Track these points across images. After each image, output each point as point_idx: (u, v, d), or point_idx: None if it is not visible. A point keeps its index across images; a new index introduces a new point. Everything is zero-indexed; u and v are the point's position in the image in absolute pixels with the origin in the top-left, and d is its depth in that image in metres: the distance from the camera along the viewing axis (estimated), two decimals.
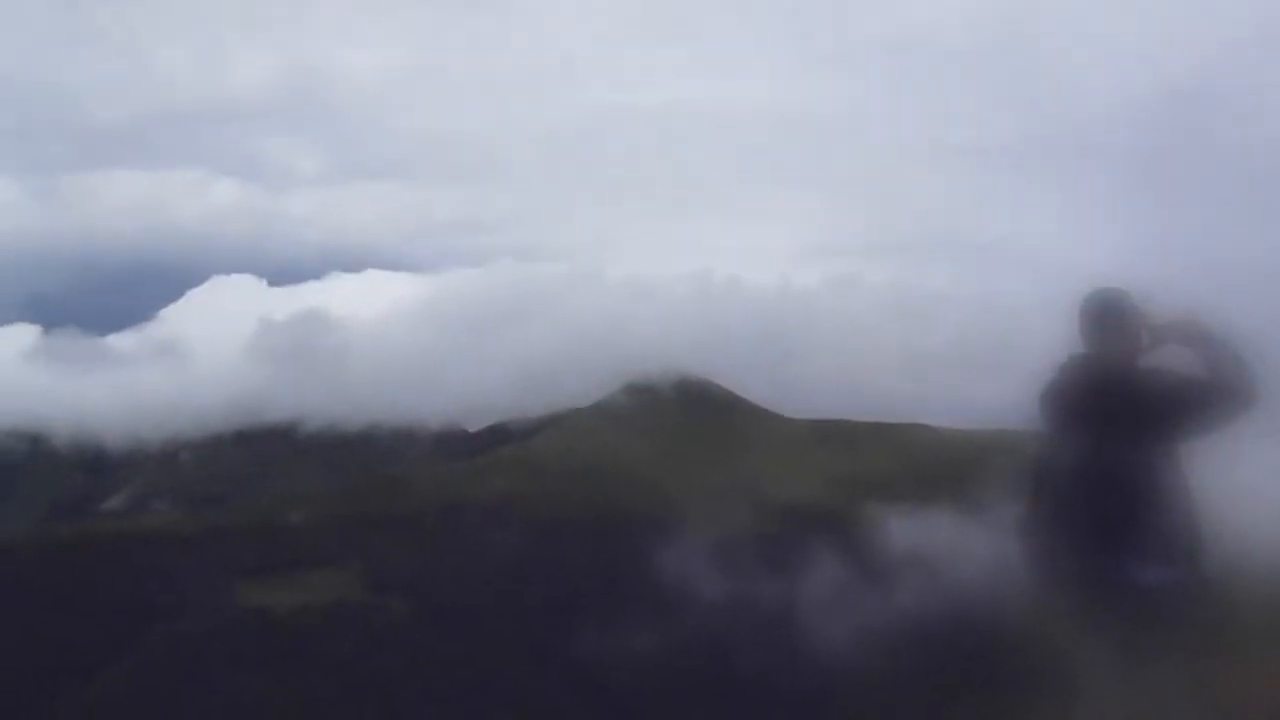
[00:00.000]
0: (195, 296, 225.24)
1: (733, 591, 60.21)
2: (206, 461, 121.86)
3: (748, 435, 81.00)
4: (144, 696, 52.44)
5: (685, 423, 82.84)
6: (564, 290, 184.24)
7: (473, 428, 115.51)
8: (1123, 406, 6.01)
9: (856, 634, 56.41)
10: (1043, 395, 6.42)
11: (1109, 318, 6.24)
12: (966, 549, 53.02)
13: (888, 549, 60.90)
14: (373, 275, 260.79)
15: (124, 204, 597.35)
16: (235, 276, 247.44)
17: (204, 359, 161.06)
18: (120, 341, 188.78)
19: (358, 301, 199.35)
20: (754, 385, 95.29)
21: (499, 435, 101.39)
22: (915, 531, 60.76)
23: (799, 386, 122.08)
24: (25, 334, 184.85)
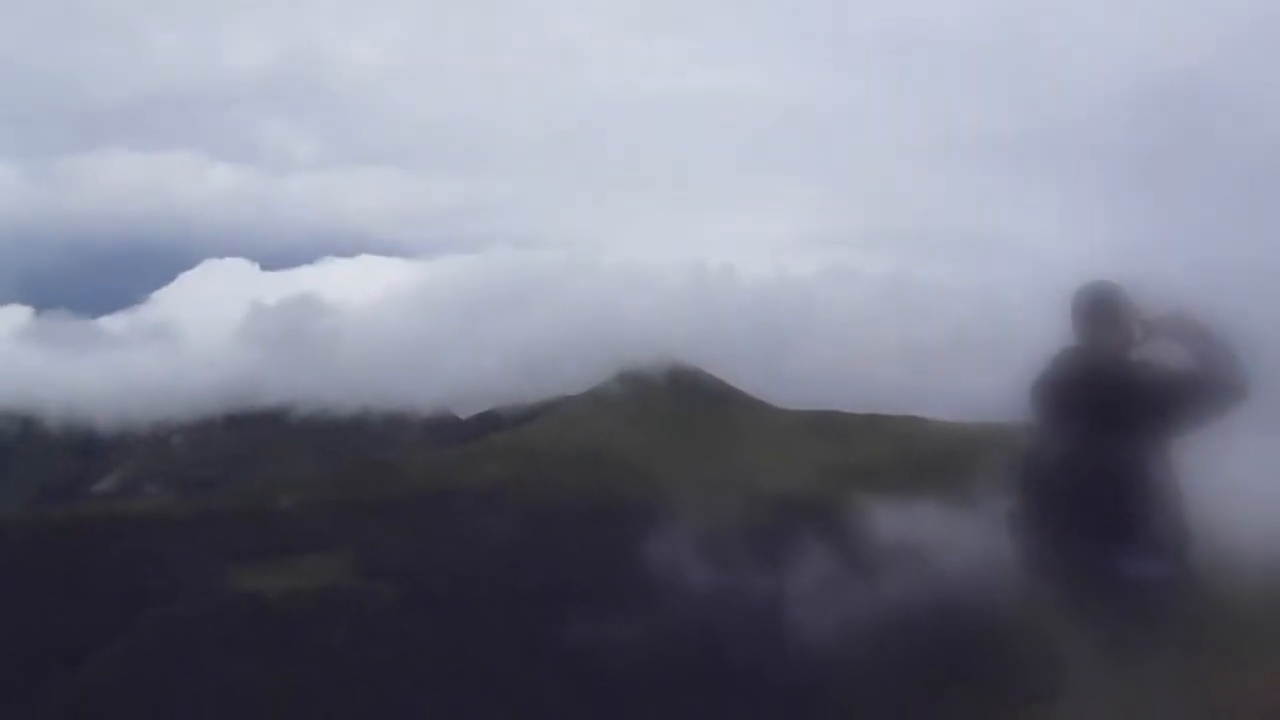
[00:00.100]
0: (188, 280, 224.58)
1: (724, 581, 60.31)
2: (198, 445, 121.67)
3: (741, 425, 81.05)
4: (135, 680, 52.42)
5: (678, 412, 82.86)
6: (558, 278, 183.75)
7: (465, 414, 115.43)
8: (1114, 400, 6.02)
9: (848, 625, 56.57)
10: (1034, 387, 6.43)
11: (1102, 311, 6.25)
12: (958, 541, 53.14)
13: (880, 540, 61.02)
14: (367, 260, 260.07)
15: (118, 186, 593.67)
16: (229, 260, 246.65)
17: (196, 342, 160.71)
18: (112, 324, 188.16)
19: (351, 286, 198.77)
20: (748, 375, 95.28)
21: (491, 422, 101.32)
22: (907, 523, 60.90)
23: (793, 377, 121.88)
24: (17, 315, 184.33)
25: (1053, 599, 6.40)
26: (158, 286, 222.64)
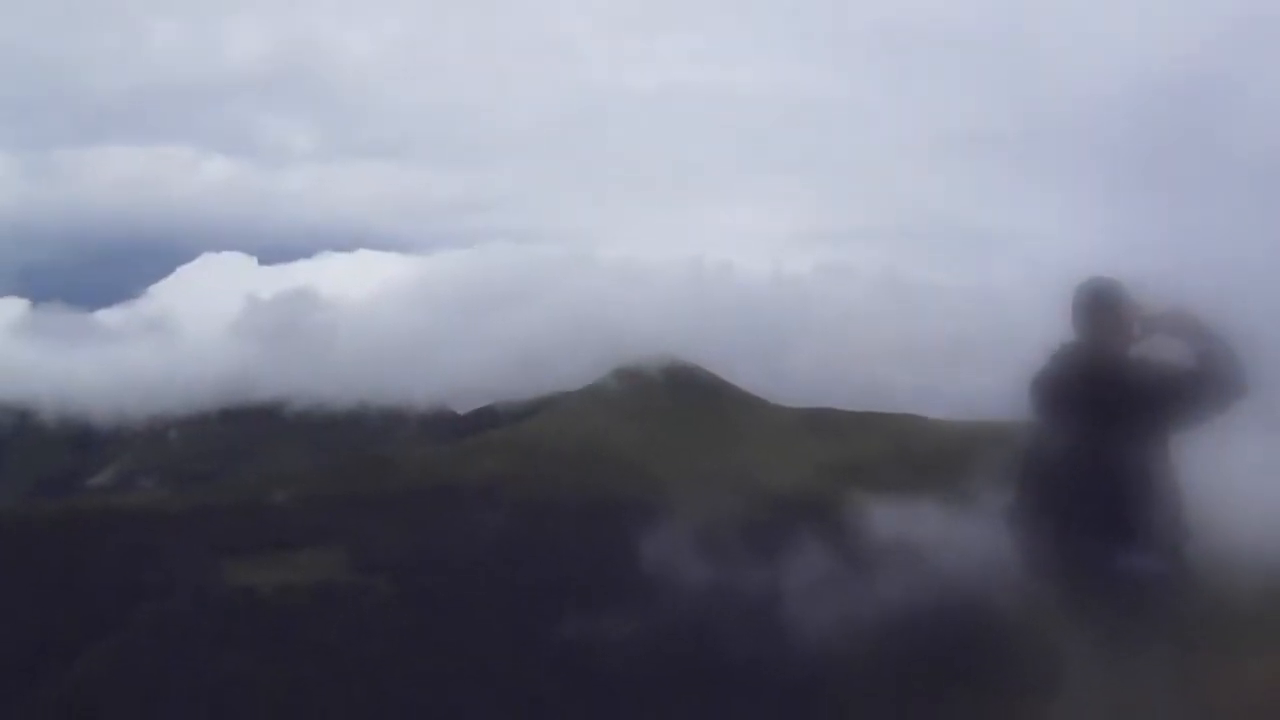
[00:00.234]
0: (185, 273, 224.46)
1: (721, 578, 60.32)
2: (194, 439, 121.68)
3: (738, 422, 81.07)
4: (130, 674, 52.41)
5: (675, 409, 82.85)
6: (556, 273, 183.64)
7: (462, 410, 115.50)
8: (1113, 396, 6.01)
9: (846, 622, 56.59)
10: (1033, 385, 6.42)
11: (1101, 308, 6.24)
12: (956, 538, 53.20)
13: (877, 538, 61.03)
14: (364, 255, 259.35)
15: (115, 179, 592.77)
16: (225, 254, 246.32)
17: (193, 336, 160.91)
18: (109, 317, 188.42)
19: (349, 281, 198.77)
20: (745, 372, 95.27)
21: (488, 418, 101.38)
22: (905, 520, 60.90)
23: (790, 374, 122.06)
24: (13, 308, 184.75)
25: (1051, 596, 6.40)
26: (154, 280, 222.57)
